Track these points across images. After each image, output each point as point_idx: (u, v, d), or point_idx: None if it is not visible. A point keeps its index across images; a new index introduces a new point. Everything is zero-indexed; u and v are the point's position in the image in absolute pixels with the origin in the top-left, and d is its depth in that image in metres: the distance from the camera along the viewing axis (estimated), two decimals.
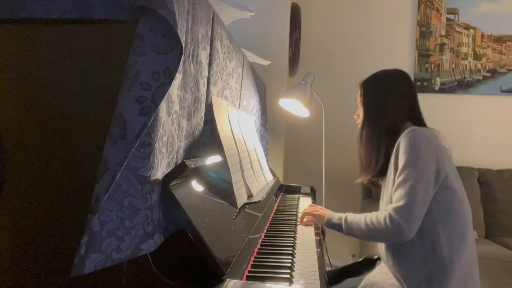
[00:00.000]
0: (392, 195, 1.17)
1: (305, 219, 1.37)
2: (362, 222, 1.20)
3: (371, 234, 1.17)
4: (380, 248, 1.29)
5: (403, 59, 3.07)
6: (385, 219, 1.13)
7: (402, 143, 1.17)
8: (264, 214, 1.33)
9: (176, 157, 0.82)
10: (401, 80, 1.33)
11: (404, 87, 1.31)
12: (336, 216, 1.30)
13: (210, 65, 1.04)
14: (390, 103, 1.29)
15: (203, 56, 0.97)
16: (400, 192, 1.13)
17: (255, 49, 1.97)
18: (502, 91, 3.03)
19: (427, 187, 1.12)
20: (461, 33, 3.06)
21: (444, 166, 1.15)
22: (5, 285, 0.77)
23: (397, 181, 1.15)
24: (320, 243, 1.19)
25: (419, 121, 1.30)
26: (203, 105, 1.01)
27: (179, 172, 0.74)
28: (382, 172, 1.29)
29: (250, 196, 1.22)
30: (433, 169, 1.13)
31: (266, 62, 2.04)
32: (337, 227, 1.28)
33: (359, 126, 1.37)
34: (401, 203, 1.11)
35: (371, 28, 3.09)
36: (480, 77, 3.05)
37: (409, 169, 1.13)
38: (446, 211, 1.15)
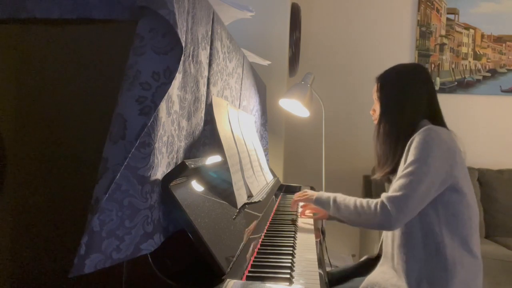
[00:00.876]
0: None
1: (300, 209, 1.37)
2: (351, 204, 1.18)
3: (358, 217, 1.16)
4: (385, 245, 1.29)
5: (403, 59, 3.04)
6: (376, 204, 1.11)
7: (415, 140, 1.15)
8: (264, 214, 1.33)
9: (176, 157, 0.82)
10: (420, 74, 1.29)
11: (422, 82, 1.28)
12: (325, 195, 1.28)
13: (210, 65, 1.04)
14: (408, 99, 1.26)
15: (203, 56, 0.97)
16: (400, 183, 1.11)
17: (255, 49, 1.97)
18: (502, 91, 3.03)
19: (431, 186, 1.10)
20: (461, 33, 3.06)
21: (456, 169, 1.13)
22: (5, 285, 0.77)
23: (401, 173, 1.13)
24: (320, 243, 1.19)
25: (438, 119, 1.27)
26: (203, 105, 1.01)
27: (179, 172, 0.74)
28: (396, 169, 1.26)
29: (250, 196, 1.22)
30: (443, 170, 1.11)
31: (266, 62, 2.04)
32: (324, 205, 1.27)
33: (375, 122, 1.34)
34: (397, 193, 1.09)
35: (371, 28, 3.09)
36: (480, 77, 3.05)
37: (416, 165, 1.10)
38: (452, 214, 1.13)
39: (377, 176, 1.33)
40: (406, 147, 1.19)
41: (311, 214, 1.42)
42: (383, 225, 1.12)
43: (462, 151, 1.19)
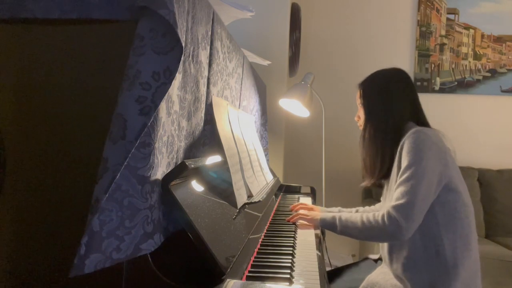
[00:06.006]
0: None
1: (298, 222, 1.33)
2: (358, 221, 1.17)
3: (367, 232, 1.14)
4: (382, 251, 1.28)
5: (403, 59, 3.07)
6: (383, 217, 1.11)
7: (406, 144, 1.15)
8: (264, 214, 1.33)
9: (176, 157, 0.82)
10: (401, 79, 1.30)
11: (404, 85, 1.29)
12: (329, 215, 1.26)
13: (210, 65, 1.04)
14: (392, 103, 1.27)
15: (203, 56, 0.97)
16: (401, 190, 1.11)
17: (255, 49, 1.97)
18: (502, 91, 3.03)
19: (429, 188, 1.10)
20: (461, 33, 3.06)
21: (448, 168, 1.14)
22: (5, 285, 0.77)
23: (399, 180, 1.13)
24: (320, 243, 1.19)
25: (422, 121, 1.28)
26: (203, 105, 1.01)
27: (179, 172, 0.74)
28: (387, 174, 1.26)
29: (250, 196, 1.22)
30: (437, 171, 1.12)
31: (266, 62, 2.04)
32: (331, 226, 1.24)
33: (361, 128, 1.35)
34: (401, 201, 1.09)
35: (371, 28, 3.09)
36: (480, 77, 3.05)
37: (412, 169, 1.10)
38: (450, 214, 1.13)
39: (367, 183, 1.32)
40: (397, 153, 1.19)
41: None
42: (394, 236, 1.10)
43: (452, 150, 1.20)
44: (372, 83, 1.33)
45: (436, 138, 1.16)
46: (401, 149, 1.18)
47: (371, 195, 2.87)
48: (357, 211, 1.54)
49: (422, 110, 1.31)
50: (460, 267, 1.11)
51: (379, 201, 1.59)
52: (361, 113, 1.35)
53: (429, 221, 1.13)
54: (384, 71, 1.34)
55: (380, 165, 1.26)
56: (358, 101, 1.36)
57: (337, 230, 1.22)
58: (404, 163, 1.14)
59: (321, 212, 1.47)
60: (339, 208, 1.56)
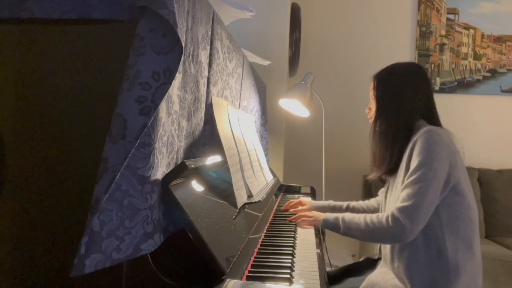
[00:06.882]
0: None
1: (301, 223, 1.33)
2: (361, 222, 1.16)
3: (370, 234, 1.14)
4: (384, 249, 1.28)
5: (403, 59, 3.02)
6: (387, 218, 1.10)
7: (418, 143, 1.13)
8: (264, 214, 1.33)
9: (176, 157, 0.82)
10: (417, 74, 1.27)
11: (420, 82, 1.26)
12: (332, 215, 1.25)
13: (210, 65, 1.04)
14: (405, 99, 1.24)
15: (203, 56, 0.97)
16: (408, 192, 1.09)
17: (255, 49, 1.97)
18: (502, 91, 3.03)
19: (437, 190, 1.09)
20: (461, 33, 3.06)
21: (457, 170, 1.12)
22: (5, 285, 0.77)
23: (407, 181, 1.11)
24: (320, 243, 1.19)
25: (434, 119, 1.25)
26: (203, 105, 1.01)
27: (179, 172, 0.74)
28: (394, 169, 1.24)
29: (250, 196, 1.22)
30: (445, 173, 1.10)
31: (266, 62, 2.04)
32: (334, 227, 1.22)
33: (371, 120, 1.32)
34: (407, 203, 1.08)
35: (371, 28, 3.09)
36: (480, 77, 3.05)
37: (422, 171, 1.09)
38: (454, 216, 1.12)
39: (374, 176, 1.31)
40: (408, 150, 1.17)
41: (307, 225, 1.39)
42: (397, 238, 1.10)
43: (461, 151, 1.18)
44: (387, 76, 1.30)
45: (448, 139, 1.15)
46: (412, 148, 1.15)
47: (371, 195, 2.87)
48: (347, 206, 1.54)
49: (435, 108, 1.28)
50: (462, 269, 1.10)
51: None
52: (372, 105, 1.32)
53: (433, 222, 1.12)
54: (400, 65, 1.31)
55: (389, 159, 1.24)
56: (371, 93, 1.33)
57: (340, 231, 1.21)
58: (415, 162, 1.12)
59: (312, 205, 1.49)
60: (329, 201, 1.56)
